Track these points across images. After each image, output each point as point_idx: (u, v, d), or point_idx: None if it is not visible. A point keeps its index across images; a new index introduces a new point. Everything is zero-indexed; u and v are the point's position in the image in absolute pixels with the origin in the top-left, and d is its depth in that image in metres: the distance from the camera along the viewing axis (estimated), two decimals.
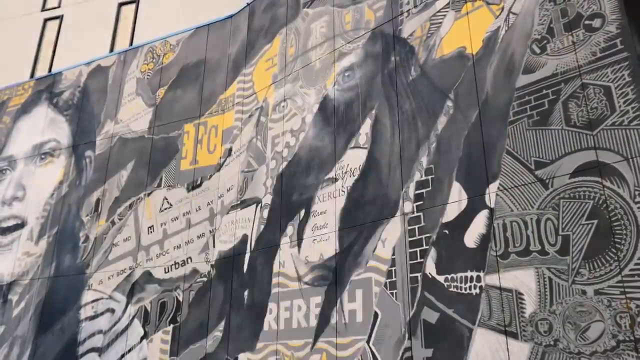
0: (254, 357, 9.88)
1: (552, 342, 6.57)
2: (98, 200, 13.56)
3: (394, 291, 8.39)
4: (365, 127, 9.62)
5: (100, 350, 11.91)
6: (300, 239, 9.97)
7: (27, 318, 13.20)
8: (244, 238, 11.05)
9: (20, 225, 14.45)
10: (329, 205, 9.70)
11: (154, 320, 11.53)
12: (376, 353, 8.33)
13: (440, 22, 9.12)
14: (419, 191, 8.56)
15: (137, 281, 12.13)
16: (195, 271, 11.48)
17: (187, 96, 13.49)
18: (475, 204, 7.76)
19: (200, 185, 12.29)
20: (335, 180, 9.79)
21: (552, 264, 6.76)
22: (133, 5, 21.34)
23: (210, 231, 11.73)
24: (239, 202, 11.42)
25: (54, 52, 21.89)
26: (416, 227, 8.42)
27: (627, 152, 6.45)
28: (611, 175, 6.51)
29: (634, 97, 6.55)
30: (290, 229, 10.22)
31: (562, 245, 6.73)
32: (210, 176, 12.24)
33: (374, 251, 8.83)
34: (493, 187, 7.59)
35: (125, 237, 12.76)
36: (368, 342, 8.47)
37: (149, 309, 11.72)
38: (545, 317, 6.69)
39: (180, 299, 11.39)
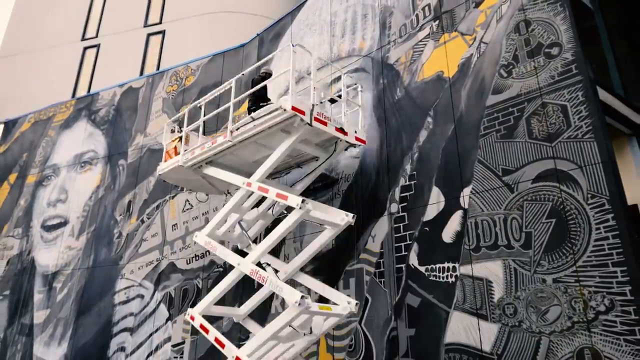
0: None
1: (517, 323, 6.58)
2: (130, 202, 13.56)
3: (382, 280, 8.40)
4: None
5: (131, 330, 11.91)
6: (302, 235, 9.97)
7: (69, 303, 13.20)
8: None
9: (63, 224, 14.45)
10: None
11: (178, 305, 11.52)
12: (367, 332, 8.34)
13: (422, 50, 9.15)
14: (404, 194, 8.57)
15: (163, 271, 12.13)
16: (212, 263, 11.47)
17: (206, 113, 13.48)
18: (451, 205, 7.78)
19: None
20: (332, 184, 9.81)
21: (517, 256, 6.78)
22: (160, 36, 21.38)
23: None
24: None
25: (92, 75, 21.91)
26: (401, 225, 8.43)
27: (581, 161, 6.47)
28: (567, 181, 6.54)
29: (586, 114, 6.58)
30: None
31: (526, 240, 6.75)
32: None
33: (365, 245, 8.84)
34: (467, 191, 7.61)
35: (152, 233, 12.77)
36: (360, 322, 8.47)
37: (173, 295, 11.72)
38: (511, 301, 6.71)
39: (200, 286, 11.38)
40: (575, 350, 6.00)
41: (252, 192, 8.57)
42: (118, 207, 13.75)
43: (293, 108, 7.49)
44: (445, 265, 7.57)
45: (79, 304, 13.04)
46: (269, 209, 9.57)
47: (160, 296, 11.88)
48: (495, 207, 7.20)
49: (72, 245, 13.98)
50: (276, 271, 8.60)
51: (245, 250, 9.51)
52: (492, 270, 7.00)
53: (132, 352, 11.68)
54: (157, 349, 11.36)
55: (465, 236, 7.45)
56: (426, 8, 9.35)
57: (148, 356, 11.40)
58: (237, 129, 8.42)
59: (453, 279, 7.43)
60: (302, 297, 6.95)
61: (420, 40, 9.23)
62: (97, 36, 22.85)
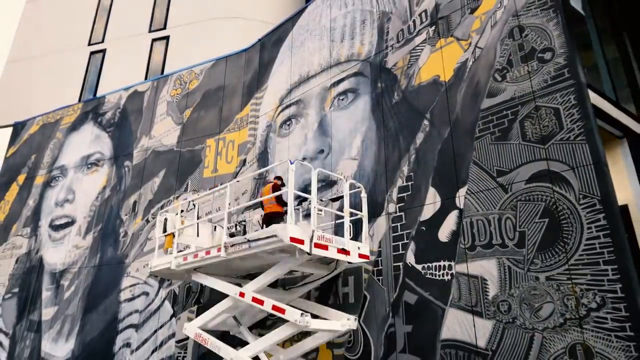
0: (265, 332, 9.86)
1: (510, 320, 6.59)
2: (135, 202, 13.57)
3: (380, 277, 8.41)
4: (357, 142, 9.65)
5: (136, 327, 11.91)
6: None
7: (76, 300, 13.20)
8: None
9: (71, 223, 14.46)
10: (327, 206, 9.72)
11: (182, 302, 11.53)
12: (365, 329, 8.34)
13: (419, 55, 9.16)
14: (401, 195, 8.58)
15: None
16: None
17: (209, 116, 13.52)
18: (447, 206, 7.79)
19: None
20: (332, 186, 9.81)
21: (511, 255, 6.78)
22: (164, 41, 21.39)
23: (228, 227, 11.73)
24: (252, 203, 11.43)
25: (98, 79, 21.91)
26: (398, 224, 8.44)
27: (573, 163, 6.48)
28: (560, 181, 6.54)
29: (578, 117, 6.59)
30: None
31: (519, 239, 6.76)
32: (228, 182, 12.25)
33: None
34: (462, 192, 7.62)
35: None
36: (359, 319, 8.47)
37: (177, 292, 11.72)
38: (505, 298, 6.71)
39: (203, 284, 11.38)
40: (567, 346, 6.01)
41: None
42: (124, 207, 13.76)
43: (292, 239, 7.03)
44: (441, 263, 7.58)
45: (86, 301, 13.04)
46: None
47: (165, 293, 11.88)
48: (490, 207, 7.21)
49: (79, 244, 13.98)
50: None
51: (237, 335, 9.58)
52: (486, 268, 7.01)
53: (138, 348, 11.68)
54: (161, 344, 11.36)
55: (460, 235, 7.46)
56: (423, 14, 9.36)
57: (153, 352, 11.41)
58: (232, 245, 7.96)
59: (449, 277, 7.43)
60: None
61: (417, 45, 9.25)
62: (103, 41, 22.85)
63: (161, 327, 11.52)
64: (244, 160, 12.21)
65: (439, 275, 7.55)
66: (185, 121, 13.87)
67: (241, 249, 7.77)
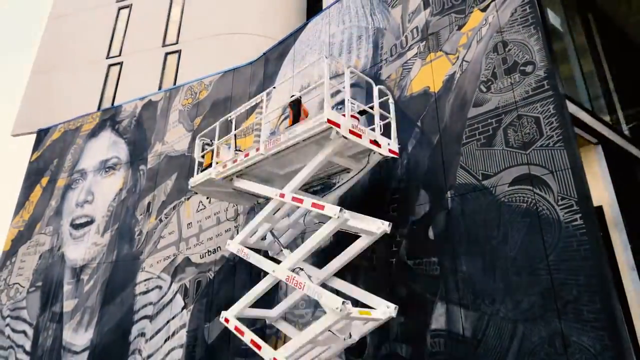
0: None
1: (495, 312, 6.60)
2: (149, 203, 13.58)
3: (375, 272, 8.41)
4: None
5: (150, 318, 11.91)
6: (304, 232, 9.98)
7: (95, 293, 13.20)
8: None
9: (90, 222, 14.48)
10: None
11: (192, 295, 11.53)
12: None
13: (410, 68, 9.19)
14: (395, 196, 8.60)
15: (179, 265, 12.14)
16: (223, 257, 11.49)
17: (223, 125, 13.53)
18: (437, 206, 7.81)
19: None
20: (331, 187, 9.83)
21: (495, 252, 6.80)
22: (176, 54, 21.43)
23: (235, 226, 11.74)
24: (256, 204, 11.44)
25: (115, 89, 21.94)
26: (392, 223, 8.45)
27: (552, 167, 6.52)
28: (540, 184, 6.57)
29: (557, 125, 6.63)
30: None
31: (503, 237, 6.77)
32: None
33: None
34: (450, 193, 7.64)
35: (170, 231, 12.78)
36: None
37: (188, 286, 11.72)
38: (490, 292, 6.73)
39: (212, 278, 11.39)
40: (547, 336, 6.03)
41: (284, 203, 7.91)
42: (139, 207, 13.77)
43: (329, 121, 6.80)
44: (431, 259, 7.60)
45: (104, 294, 13.04)
46: (301, 218, 9.13)
47: (177, 287, 11.89)
48: (476, 207, 7.23)
49: (98, 241, 13.99)
50: (309, 277, 7.84)
51: (275, 257, 9.05)
52: (472, 263, 7.03)
53: (151, 337, 11.68)
54: (173, 334, 11.37)
55: (449, 234, 7.48)
56: (414, 30, 9.40)
57: (165, 341, 11.41)
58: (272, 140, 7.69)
59: (438, 272, 7.45)
60: (343, 302, 6.26)
61: (409, 59, 9.28)
62: (120, 55, 22.89)
63: (173, 318, 11.52)
64: None
65: (429, 270, 7.57)
66: (195, 128, 13.88)
67: (280, 142, 7.59)
